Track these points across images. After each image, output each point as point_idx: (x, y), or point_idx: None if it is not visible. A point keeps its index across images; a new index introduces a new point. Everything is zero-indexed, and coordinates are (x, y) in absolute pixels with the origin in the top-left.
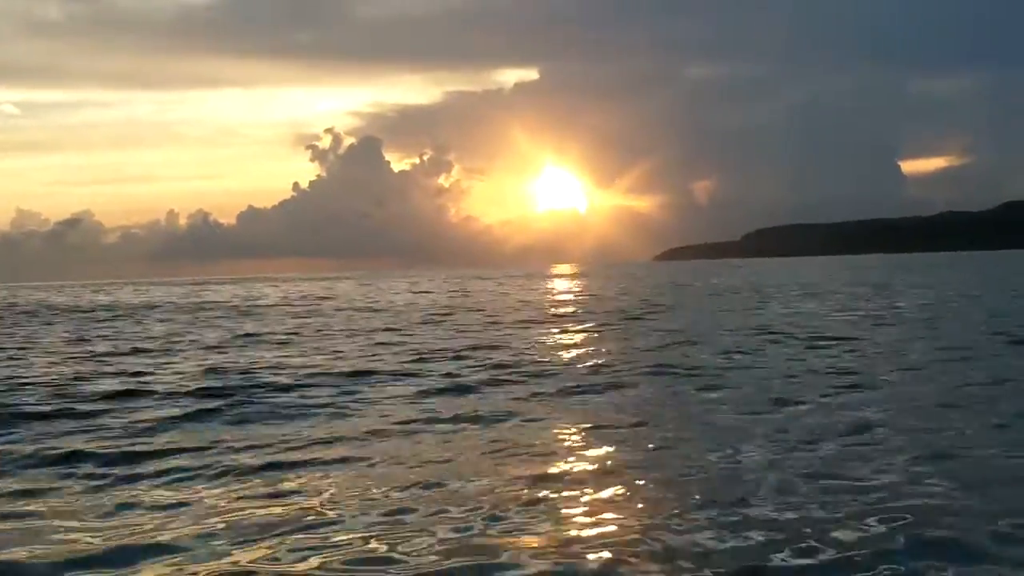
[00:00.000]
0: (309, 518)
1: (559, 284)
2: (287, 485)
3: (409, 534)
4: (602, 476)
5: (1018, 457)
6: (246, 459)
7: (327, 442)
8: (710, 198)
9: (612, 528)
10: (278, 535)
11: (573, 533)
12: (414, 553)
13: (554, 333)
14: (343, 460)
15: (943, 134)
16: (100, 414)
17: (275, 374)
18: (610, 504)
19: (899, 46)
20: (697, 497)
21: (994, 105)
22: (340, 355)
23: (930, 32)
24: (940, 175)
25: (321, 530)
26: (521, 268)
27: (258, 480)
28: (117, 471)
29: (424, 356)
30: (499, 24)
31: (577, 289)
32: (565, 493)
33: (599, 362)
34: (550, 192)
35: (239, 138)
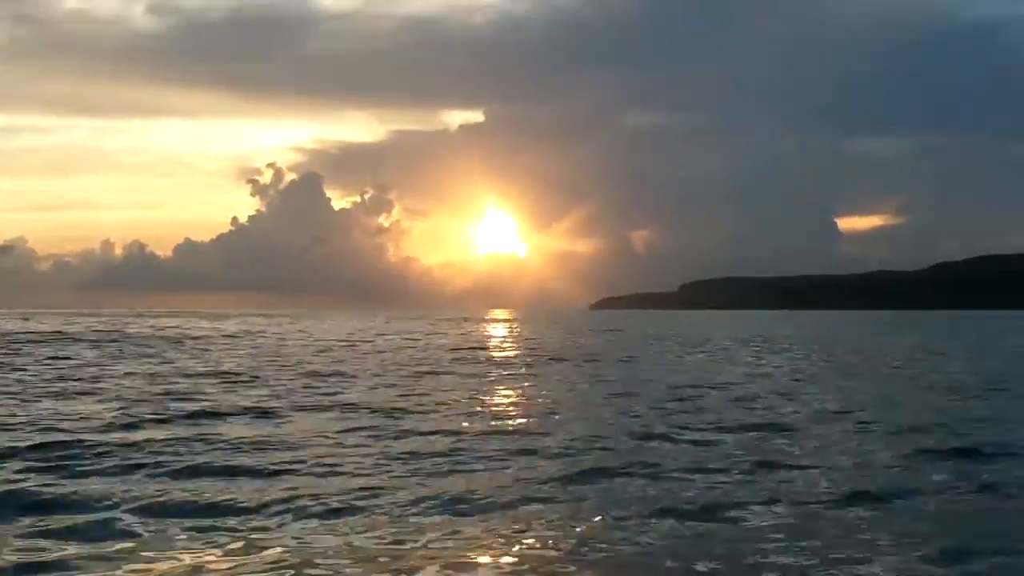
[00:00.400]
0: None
1: (494, 330)
2: (206, 495)
3: (326, 544)
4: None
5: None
6: (163, 469)
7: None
8: (647, 247)
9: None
10: (199, 541)
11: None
12: (332, 564)
13: (482, 375)
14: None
15: (878, 194)
16: (24, 426)
17: (203, 402)
18: (496, 531)
19: (837, 106)
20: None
21: (928, 168)
22: (275, 390)
23: (867, 94)
24: (874, 234)
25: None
26: (459, 311)
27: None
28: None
29: (351, 390)
30: (447, 65)
31: (508, 334)
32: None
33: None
34: (491, 235)
35: (179, 168)
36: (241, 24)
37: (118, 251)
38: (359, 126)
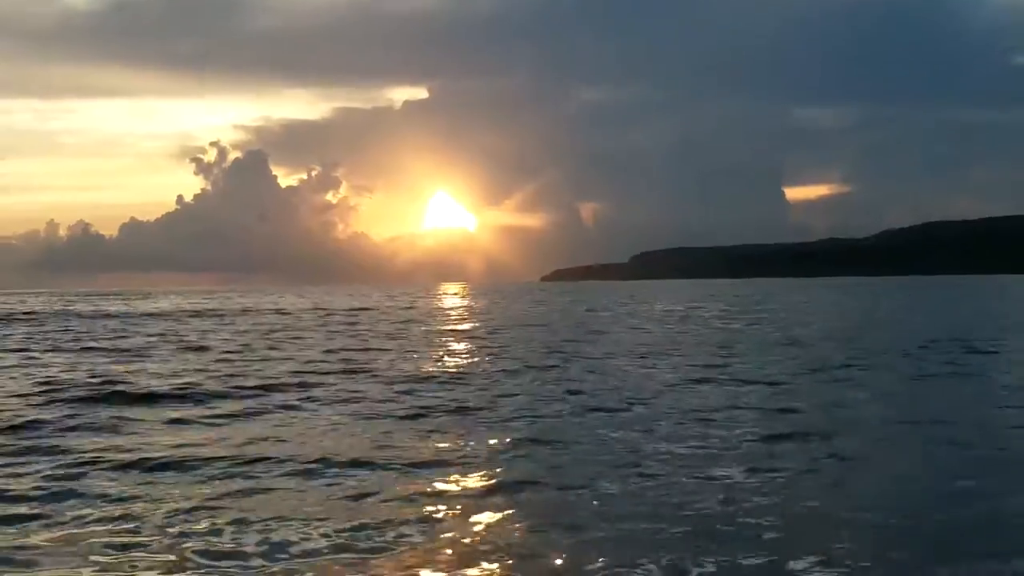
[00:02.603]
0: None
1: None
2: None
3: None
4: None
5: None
6: None
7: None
8: (597, 220)
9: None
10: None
11: None
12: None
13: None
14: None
15: (825, 163)
16: None
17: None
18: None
19: (783, 77)
20: None
21: (873, 137)
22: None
23: (811, 64)
24: (822, 202)
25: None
26: (408, 286)
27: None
28: None
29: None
30: (389, 41)
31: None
32: None
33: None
34: (439, 210)
35: (122, 149)
36: (180, 1)
37: (63, 232)
38: (303, 104)
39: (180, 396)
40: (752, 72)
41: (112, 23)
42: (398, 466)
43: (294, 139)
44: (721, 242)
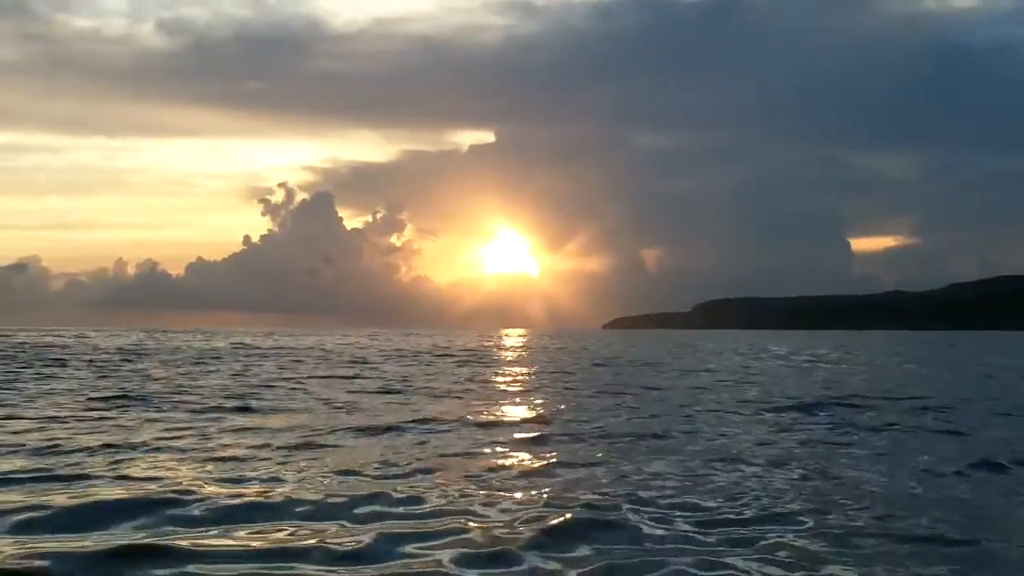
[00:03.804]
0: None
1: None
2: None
3: None
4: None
5: None
6: None
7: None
8: (660, 267)
9: None
10: None
11: None
12: None
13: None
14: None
15: (892, 213)
16: None
17: None
18: None
19: (849, 124)
20: None
21: (942, 188)
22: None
23: (879, 113)
24: (888, 254)
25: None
26: (471, 330)
27: None
28: None
29: None
30: (456, 85)
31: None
32: None
33: None
34: (502, 254)
35: (190, 188)
36: (250, 42)
37: (130, 270)
38: (369, 146)
39: None
40: (819, 119)
41: (186, 63)
42: None
43: (360, 181)
44: (785, 292)
